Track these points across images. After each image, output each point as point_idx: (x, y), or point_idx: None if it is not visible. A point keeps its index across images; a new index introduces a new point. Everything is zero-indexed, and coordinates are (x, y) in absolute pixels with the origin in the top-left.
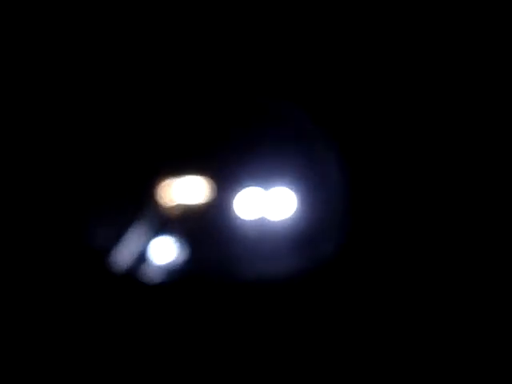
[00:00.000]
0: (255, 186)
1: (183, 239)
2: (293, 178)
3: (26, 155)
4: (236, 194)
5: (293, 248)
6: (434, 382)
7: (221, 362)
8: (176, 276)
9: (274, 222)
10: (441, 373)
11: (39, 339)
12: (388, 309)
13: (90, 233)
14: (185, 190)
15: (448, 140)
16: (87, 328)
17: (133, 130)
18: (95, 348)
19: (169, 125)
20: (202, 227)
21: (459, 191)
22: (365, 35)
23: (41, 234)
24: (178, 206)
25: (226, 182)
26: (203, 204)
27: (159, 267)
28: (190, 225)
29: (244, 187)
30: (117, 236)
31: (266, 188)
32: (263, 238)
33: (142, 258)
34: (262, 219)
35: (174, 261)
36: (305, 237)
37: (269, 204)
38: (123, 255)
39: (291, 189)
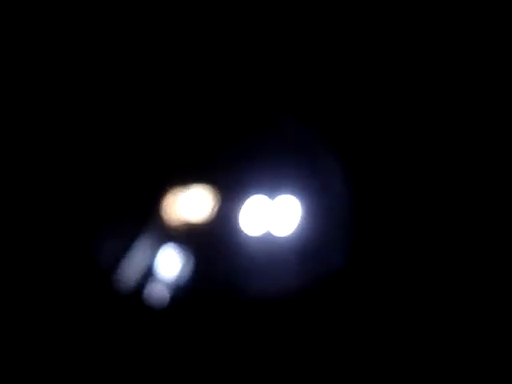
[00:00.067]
0: (260, 194)
1: (189, 254)
2: (298, 187)
3: (31, 169)
4: (241, 203)
5: (298, 262)
6: None
7: (226, 377)
8: (181, 292)
9: (279, 237)
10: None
11: (43, 356)
12: (394, 320)
13: (95, 248)
14: (190, 202)
15: (450, 149)
16: (91, 345)
17: (137, 143)
18: (100, 365)
19: (172, 135)
20: (207, 242)
21: (462, 199)
22: (366, 47)
23: (46, 248)
24: (183, 219)
25: (230, 191)
26: (208, 217)
27: (164, 283)
28: (196, 239)
29: (249, 196)
30: (122, 251)
31: (271, 197)
32: (269, 253)
33: (147, 274)
34: (268, 234)
35: (179, 276)
36: (310, 251)
37: (274, 216)
38: (128, 272)
39: (296, 197)
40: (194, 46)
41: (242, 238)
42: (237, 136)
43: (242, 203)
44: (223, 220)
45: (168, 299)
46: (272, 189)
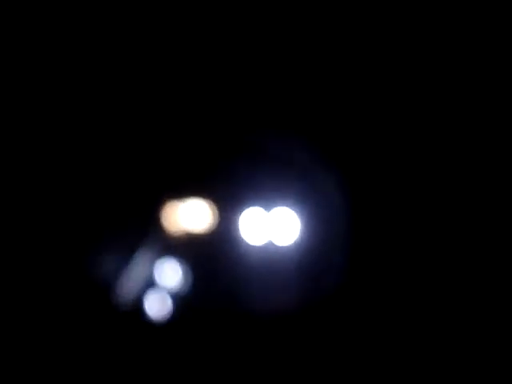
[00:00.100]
0: (258, 206)
1: (189, 265)
2: (294, 199)
3: (32, 179)
4: (241, 214)
5: (299, 272)
6: None
7: None
8: (182, 303)
9: (280, 247)
10: None
11: (43, 373)
12: (393, 329)
13: (95, 259)
14: (190, 214)
15: (447, 162)
16: (92, 356)
17: (137, 156)
18: (101, 377)
19: (171, 149)
20: (208, 252)
21: (461, 215)
22: (358, 62)
23: (47, 258)
24: (184, 230)
25: (229, 202)
26: (209, 228)
27: (165, 294)
28: (196, 250)
29: (247, 208)
30: (122, 262)
31: (268, 209)
32: (270, 262)
33: (147, 285)
34: (269, 244)
35: (180, 287)
36: (311, 260)
37: (273, 227)
38: (129, 283)
39: (293, 209)
40: (195, 62)
41: (243, 247)
42: (235, 149)
43: (242, 214)
44: (224, 230)
45: (169, 310)
46: (269, 201)
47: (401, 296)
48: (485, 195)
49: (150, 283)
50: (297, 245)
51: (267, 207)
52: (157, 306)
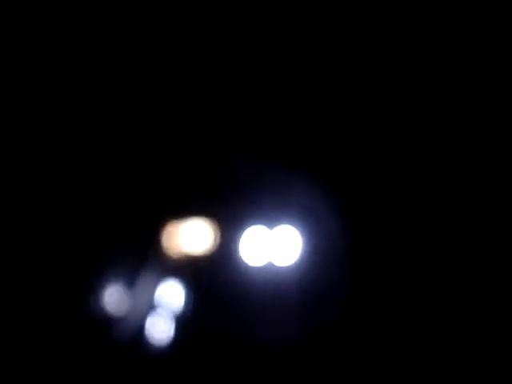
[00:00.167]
0: (259, 224)
1: (189, 288)
2: (296, 217)
3: (29, 208)
4: (241, 234)
5: (299, 294)
6: None
7: None
8: (183, 325)
9: (280, 267)
10: None
11: None
12: (396, 347)
13: (95, 284)
14: (189, 236)
15: (446, 177)
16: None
17: (136, 178)
18: None
19: (169, 169)
20: (209, 274)
21: (461, 226)
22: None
23: (46, 282)
24: (184, 253)
25: (230, 223)
26: (209, 250)
27: (166, 316)
28: (197, 272)
29: (248, 226)
30: (123, 286)
31: (270, 227)
32: (270, 284)
33: (148, 308)
34: (269, 264)
35: (181, 309)
36: (311, 282)
37: (274, 247)
38: (130, 306)
39: (295, 227)
40: (194, 81)
41: (244, 268)
42: (235, 169)
43: (243, 233)
44: (224, 252)
45: (170, 332)
46: (271, 219)
47: (404, 315)
48: (486, 208)
49: (151, 306)
50: (297, 265)
51: (269, 225)
52: (158, 329)
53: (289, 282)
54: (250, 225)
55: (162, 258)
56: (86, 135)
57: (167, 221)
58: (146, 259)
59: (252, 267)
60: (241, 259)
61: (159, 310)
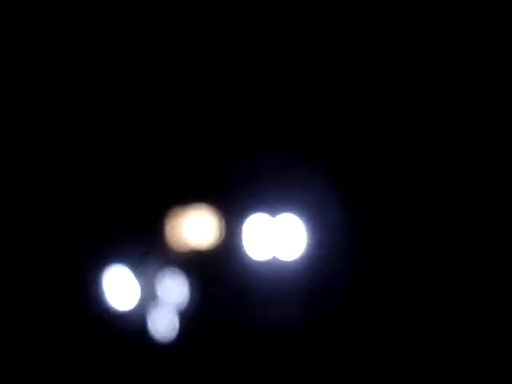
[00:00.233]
0: (262, 212)
1: (193, 279)
2: (299, 205)
3: (32, 193)
4: (245, 224)
5: (303, 288)
6: None
7: None
8: (185, 318)
9: (285, 261)
10: None
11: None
12: (401, 341)
13: (97, 274)
14: (193, 227)
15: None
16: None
17: (138, 169)
18: None
19: (172, 159)
20: (212, 266)
21: (464, 223)
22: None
23: (47, 273)
24: (187, 244)
25: (233, 211)
26: (212, 242)
27: (169, 309)
28: (200, 264)
29: (251, 214)
30: (126, 276)
31: (273, 215)
32: (274, 277)
33: (150, 300)
34: (274, 259)
35: (183, 302)
36: (315, 276)
37: (278, 240)
38: (133, 298)
39: (298, 215)
40: (197, 70)
41: (248, 262)
42: (238, 156)
43: (246, 224)
44: (228, 243)
45: (173, 325)
46: (274, 207)
47: (409, 309)
48: (488, 213)
49: (154, 297)
50: (301, 259)
51: (272, 214)
52: (160, 320)
53: (293, 276)
54: (253, 213)
55: (165, 249)
56: (91, 124)
57: (170, 211)
58: (149, 251)
59: (256, 261)
60: (245, 253)
61: (162, 302)
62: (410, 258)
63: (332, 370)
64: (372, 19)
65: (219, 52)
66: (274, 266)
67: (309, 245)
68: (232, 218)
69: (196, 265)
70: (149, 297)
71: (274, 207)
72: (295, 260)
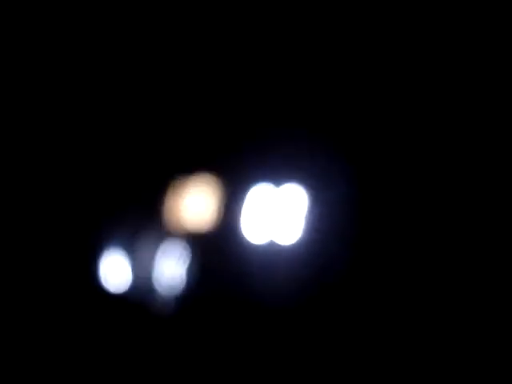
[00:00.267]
0: (266, 182)
1: (191, 256)
2: (304, 175)
3: (32, 166)
4: (245, 198)
5: (301, 272)
6: None
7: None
8: (184, 294)
9: (283, 245)
10: None
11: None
12: (399, 327)
13: (97, 249)
14: (193, 204)
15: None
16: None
17: (140, 134)
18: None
19: (174, 129)
20: (210, 244)
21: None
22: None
23: (47, 248)
24: (186, 221)
25: (234, 183)
26: (210, 223)
27: (167, 286)
28: (199, 242)
29: (255, 184)
30: (125, 253)
31: (276, 185)
32: (272, 260)
33: (149, 277)
34: (271, 242)
35: (181, 278)
36: (314, 260)
37: (276, 225)
38: (131, 275)
39: (302, 186)
40: (200, 38)
41: (246, 245)
42: (242, 127)
43: (249, 187)
44: (226, 226)
45: (170, 303)
46: (277, 178)
47: (410, 294)
48: (491, 186)
49: (152, 275)
50: (300, 243)
51: (275, 184)
52: (159, 299)
53: (292, 258)
54: (256, 183)
55: (163, 225)
56: (88, 98)
57: (169, 185)
58: (147, 226)
59: (253, 245)
60: (243, 234)
61: (159, 281)
62: (414, 240)
63: (331, 346)
64: None
65: (220, 26)
66: (272, 249)
67: (309, 222)
68: (235, 189)
69: (194, 241)
70: (145, 275)
71: (277, 178)
72: (294, 241)
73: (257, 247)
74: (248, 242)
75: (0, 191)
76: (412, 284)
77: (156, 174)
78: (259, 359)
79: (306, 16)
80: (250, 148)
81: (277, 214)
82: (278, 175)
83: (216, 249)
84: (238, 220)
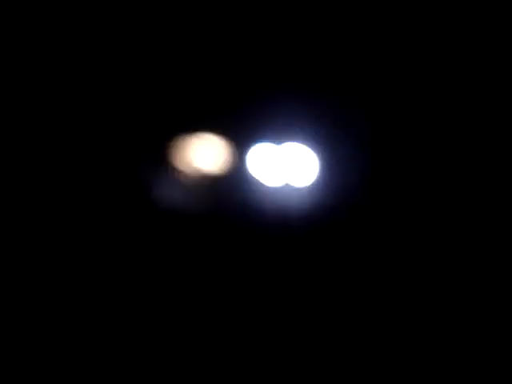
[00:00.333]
0: (269, 141)
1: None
2: (309, 133)
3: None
4: (253, 150)
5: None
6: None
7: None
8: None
9: (297, 188)
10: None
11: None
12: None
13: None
14: (202, 151)
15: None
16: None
17: (143, 94)
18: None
19: (181, 84)
20: (219, 189)
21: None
22: None
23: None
24: (195, 169)
25: (241, 138)
26: (220, 168)
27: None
28: (207, 190)
29: (258, 142)
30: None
31: (279, 143)
32: (285, 205)
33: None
34: (285, 186)
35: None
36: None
37: (289, 166)
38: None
39: (307, 145)
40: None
41: (258, 188)
42: (247, 84)
43: (254, 150)
44: (237, 170)
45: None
46: (281, 136)
47: (420, 236)
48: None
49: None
50: (314, 186)
51: (280, 142)
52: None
53: (304, 203)
54: (261, 141)
55: (173, 174)
56: (92, 59)
57: (177, 137)
58: (157, 175)
59: (267, 187)
60: (254, 178)
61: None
62: (430, 184)
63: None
64: None
65: None
66: (285, 192)
67: (319, 172)
68: (242, 146)
69: (204, 189)
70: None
71: (281, 136)
72: (307, 186)
73: (271, 189)
74: (262, 185)
75: None
76: (423, 227)
77: (164, 127)
78: (270, 298)
79: None
80: (256, 107)
81: (289, 161)
82: (283, 134)
83: (229, 192)
84: (247, 160)
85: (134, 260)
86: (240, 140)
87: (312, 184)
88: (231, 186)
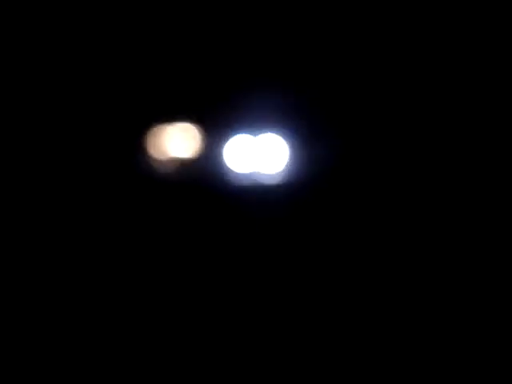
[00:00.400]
0: (244, 133)
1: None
2: (282, 124)
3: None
4: (226, 141)
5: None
6: None
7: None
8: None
9: (266, 174)
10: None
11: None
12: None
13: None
14: (175, 139)
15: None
16: None
17: (123, 81)
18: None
19: (156, 73)
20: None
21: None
22: None
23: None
24: (170, 155)
25: (216, 128)
26: (194, 155)
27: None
28: (182, 176)
29: (234, 134)
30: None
31: (254, 135)
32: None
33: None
34: (255, 173)
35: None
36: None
37: (260, 155)
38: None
39: (280, 135)
40: None
41: (230, 174)
42: (223, 74)
43: (228, 137)
44: (210, 157)
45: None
46: (257, 127)
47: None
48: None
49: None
50: (284, 173)
51: (255, 133)
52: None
53: (275, 189)
54: (236, 132)
55: (149, 162)
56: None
57: (153, 125)
58: (133, 163)
59: (238, 173)
60: (227, 166)
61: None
62: (399, 173)
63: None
64: None
65: None
66: (255, 178)
67: (290, 160)
68: (215, 136)
69: (178, 176)
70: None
71: (257, 128)
72: (277, 173)
73: (242, 175)
74: (234, 171)
75: None
76: (389, 212)
77: (142, 115)
78: (243, 279)
79: None
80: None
81: (260, 152)
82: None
83: (201, 177)
84: (222, 149)
85: (116, 245)
86: (216, 129)
87: (282, 171)
88: (205, 173)
